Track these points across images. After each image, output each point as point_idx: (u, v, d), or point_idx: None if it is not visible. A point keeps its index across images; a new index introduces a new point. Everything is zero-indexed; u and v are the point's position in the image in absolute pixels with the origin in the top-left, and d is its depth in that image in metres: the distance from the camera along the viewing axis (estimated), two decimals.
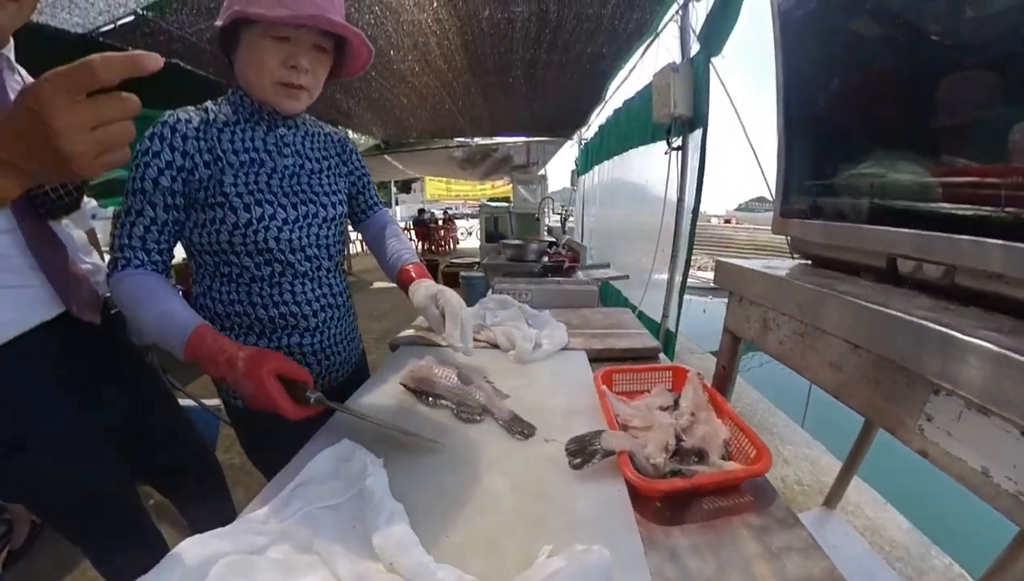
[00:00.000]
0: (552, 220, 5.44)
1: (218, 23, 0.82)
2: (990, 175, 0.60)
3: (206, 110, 0.88)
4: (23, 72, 0.99)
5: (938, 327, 0.50)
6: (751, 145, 2.44)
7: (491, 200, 9.34)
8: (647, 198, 3.56)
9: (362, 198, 1.11)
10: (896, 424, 0.57)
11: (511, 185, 9.31)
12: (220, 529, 0.51)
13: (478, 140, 7.19)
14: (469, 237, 15.15)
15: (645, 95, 3.31)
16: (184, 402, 1.67)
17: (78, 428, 0.98)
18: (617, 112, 4.11)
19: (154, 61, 0.42)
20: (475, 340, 1.07)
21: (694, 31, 2.65)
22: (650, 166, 3.41)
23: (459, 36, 3.21)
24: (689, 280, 2.92)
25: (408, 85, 4.20)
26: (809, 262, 0.96)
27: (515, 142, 7.43)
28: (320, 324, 0.97)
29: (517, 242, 3.12)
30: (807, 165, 0.96)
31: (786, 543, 0.54)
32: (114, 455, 1.06)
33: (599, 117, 5.21)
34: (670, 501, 0.61)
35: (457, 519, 0.55)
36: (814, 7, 0.94)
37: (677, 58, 2.76)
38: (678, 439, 0.69)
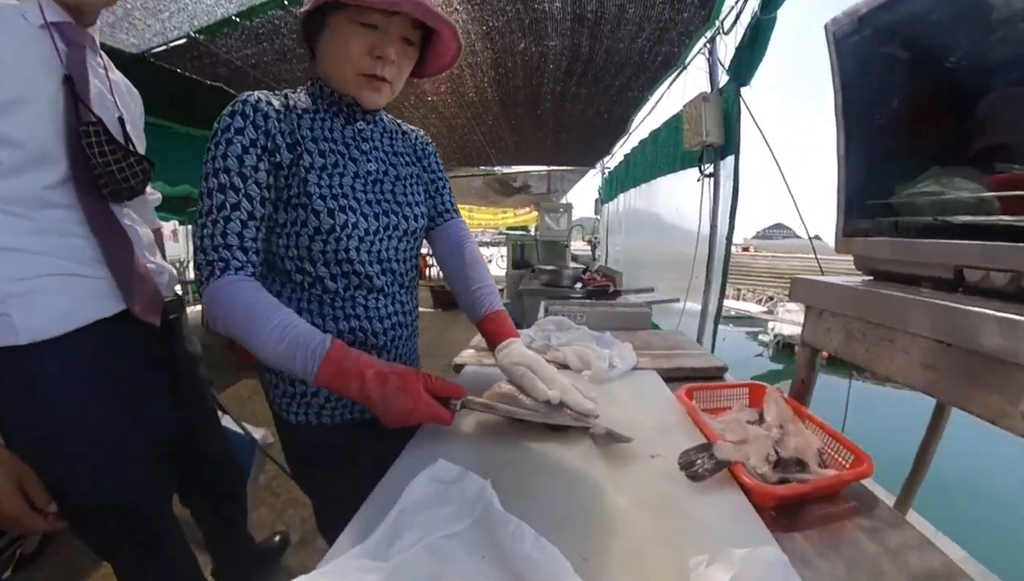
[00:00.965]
0: (577, 248, 5.53)
1: (304, 8, 0.78)
2: None
3: (285, 96, 0.82)
4: (106, 58, 1.00)
5: None
6: (780, 170, 2.49)
7: (511, 229, 9.48)
8: (676, 226, 3.62)
9: (435, 202, 1.03)
10: (998, 413, 0.61)
11: (533, 213, 9.49)
12: (323, 569, 0.46)
13: (501, 169, 7.38)
14: (490, 264, 15.21)
15: (673, 125, 3.41)
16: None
17: (120, 437, 0.93)
18: (643, 142, 4.22)
19: None
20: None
21: (722, 64, 2.75)
22: (679, 194, 3.48)
23: (493, 69, 3.36)
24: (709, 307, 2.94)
25: (439, 116, 4.37)
26: (871, 278, 1.00)
27: (538, 171, 7.60)
28: (388, 343, 0.92)
29: (552, 268, 3.19)
30: (867, 186, 1.01)
31: (901, 541, 0.57)
32: (154, 470, 1.01)
33: (623, 147, 5.34)
34: (783, 508, 0.64)
35: (588, 541, 0.53)
36: (868, 33, 1.01)
37: (703, 88, 2.86)
38: (775, 451, 0.73)
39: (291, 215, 0.79)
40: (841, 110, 1.07)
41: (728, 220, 2.70)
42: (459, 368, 1.22)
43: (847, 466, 0.71)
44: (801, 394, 0.96)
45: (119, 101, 1.00)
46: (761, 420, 0.83)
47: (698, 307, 3.04)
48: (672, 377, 1.12)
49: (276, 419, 0.95)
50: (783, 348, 11.15)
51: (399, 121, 1.00)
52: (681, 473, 0.66)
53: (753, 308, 15.66)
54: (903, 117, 0.97)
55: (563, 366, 1.17)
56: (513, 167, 7.40)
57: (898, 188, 0.93)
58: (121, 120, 0.98)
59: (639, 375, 1.09)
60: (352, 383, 0.68)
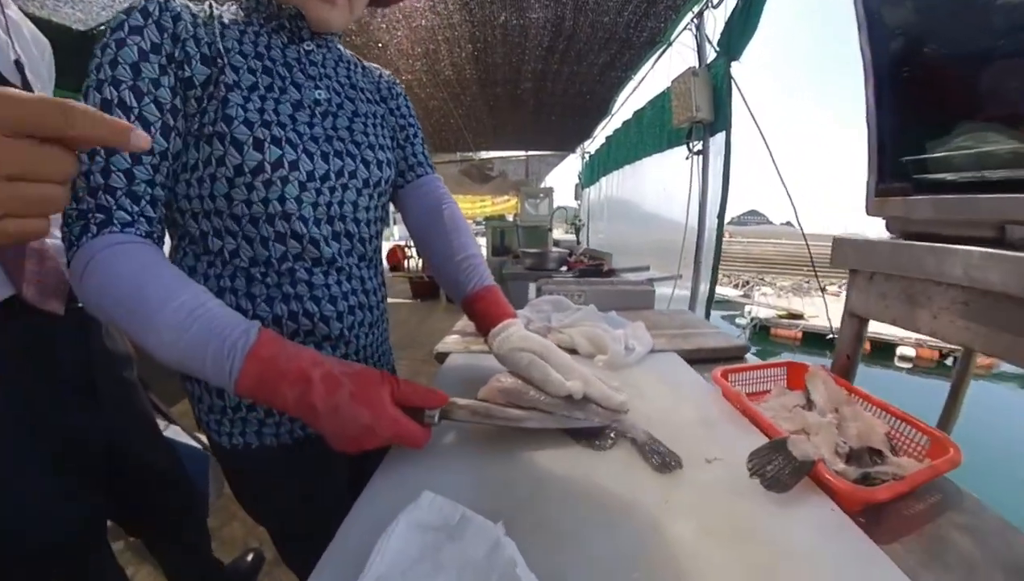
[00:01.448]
0: (558, 235, 5.43)
1: None
2: None
3: (210, 6, 0.62)
4: (16, 9, 0.85)
5: None
6: (768, 148, 2.43)
7: (489, 218, 9.33)
8: (662, 208, 3.54)
9: (406, 153, 0.83)
10: None
11: (511, 200, 9.34)
12: None
13: (481, 154, 7.21)
14: None
15: (659, 103, 3.33)
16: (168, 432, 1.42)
17: (17, 455, 0.76)
18: (627, 122, 4.13)
19: (145, 141, 0.33)
20: None
21: (709, 40, 2.67)
22: (666, 174, 3.40)
23: (471, 43, 3.20)
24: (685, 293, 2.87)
25: (414, 97, 4.19)
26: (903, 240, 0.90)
27: (516, 157, 7.45)
28: (345, 332, 0.71)
29: (536, 251, 3.08)
30: (900, 144, 0.94)
31: (1004, 539, 0.48)
32: (69, 494, 0.83)
33: (605, 129, 5.23)
34: (869, 512, 0.53)
35: None
36: None
37: (688, 67, 2.77)
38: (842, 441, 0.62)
39: (205, 152, 0.58)
40: (870, 61, 0.99)
41: (720, 197, 2.62)
42: (442, 357, 1.05)
43: (925, 451, 0.61)
44: (846, 371, 0.87)
45: (17, 44, 0.83)
46: (810, 404, 0.73)
47: (686, 293, 2.98)
48: (693, 359, 1.02)
49: (208, 441, 0.75)
50: (759, 330, 11.53)
51: (359, 58, 0.81)
52: (752, 481, 0.53)
53: (730, 292, 16.13)
54: (932, 71, 0.90)
55: (570, 351, 1.05)
56: (491, 152, 7.23)
57: (929, 145, 0.86)
58: (19, 64, 0.81)
59: (659, 358, 0.98)
60: (288, 390, 0.49)
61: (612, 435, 0.63)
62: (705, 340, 1.10)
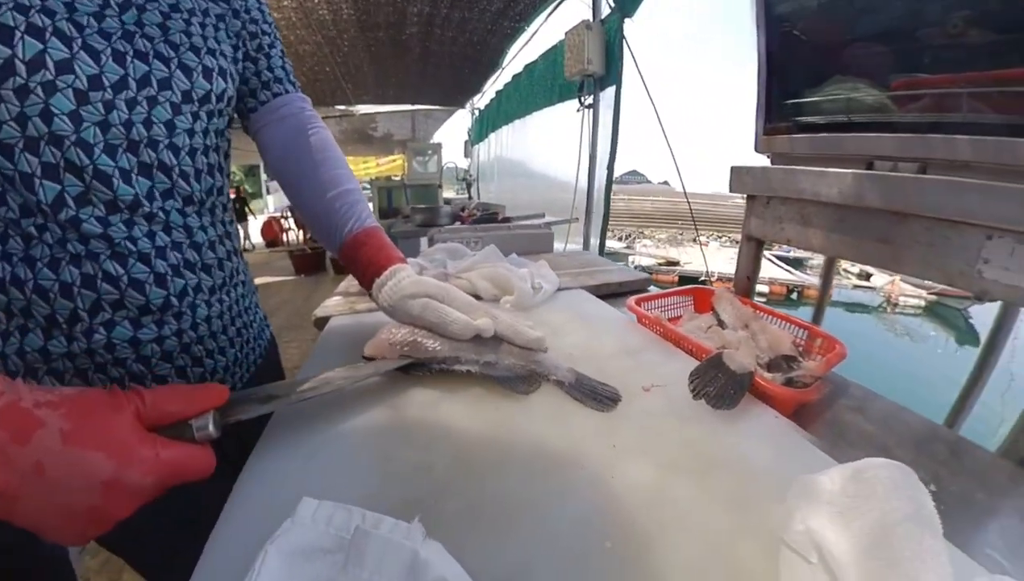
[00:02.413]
0: (451, 192, 5.26)
1: None
2: (945, 84, 0.67)
3: None
4: None
5: (992, 183, 0.56)
6: (654, 106, 2.51)
7: (376, 179, 8.81)
8: (553, 162, 3.54)
9: (258, 67, 0.64)
10: (954, 276, 0.61)
11: (398, 160, 8.84)
12: None
13: (360, 109, 6.67)
14: None
15: (551, 56, 3.27)
16: None
17: None
18: (517, 76, 4.03)
19: None
20: None
21: None
22: (556, 128, 3.39)
23: None
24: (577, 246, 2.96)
25: (283, 40, 3.68)
26: None
27: (401, 111, 7.02)
28: (174, 300, 0.52)
29: (426, 206, 2.92)
30: (784, 90, 1.00)
31: (885, 412, 0.57)
32: None
33: (495, 84, 5.08)
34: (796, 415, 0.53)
35: (628, 559, 0.33)
36: None
37: (583, 19, 2.73)
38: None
39: None
40: (763, 10, 1.03)
41: (609, 150, 2.66)
42: (322, 322, 0.89)
43: (822, 350, 0.65)
44: (747, 291, 0.90)
45: None
46: (721, 324, 0.73)
47: (578, 246, 3.03)
48: (600, 294, 0.99)
49: None
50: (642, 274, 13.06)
51: None
52: (696, 402, 0.49)
53: (615, 245, 17.59)
54: (814, 30, 0.97)
55: (473, 296, 0.96)
56: (373, 106, 6.72)
57: (808, 92, 0.92)
58: None
59: (568, 295, 0.94)
60: None
61: (532, 378, 0.55)
62: (609, 275, 1.08)
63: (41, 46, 0.40)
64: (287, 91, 0.67)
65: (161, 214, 0.50)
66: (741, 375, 0.50)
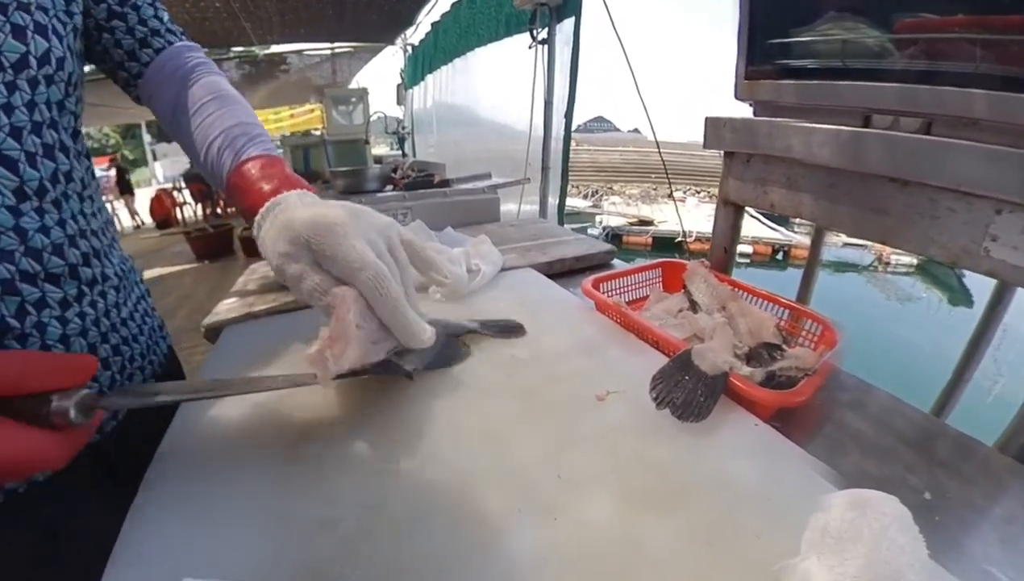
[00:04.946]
0: (383, 149, 5.09)
1: None
2: (957, 28, 0.65)
3: None
4: None
5: (999, 148, 0.55)
6: (620, 42, 2.47)
7: (290, 135, 8.43)
8: (502, 108, 3.46)
9: (129, 22, 0.62)
10: (958, 254, 0.61)
11: (316, 110, 8.44)
12: None
13: (262, 50, 6.30)
14: None
15: None
16: None
17: None
18: (456, 4, 3.88)
19: None
20: None
21: None
22: (504, 67, 3.30)
23: None
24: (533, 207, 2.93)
25: None
26: None
27: (317, 52, 6.67)
28: (12, 323, 0.48)
29: (349, 169, 2.80)
30: (771, 26, 0.98)
31: (882, 407, 0.57)
32: None
33: (430, 15, 4.88)
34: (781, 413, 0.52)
35: None
36: None
37: None
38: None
39: None
40: None
41: (568, 94, 2.61)
42: (214, 333, 0.81)
43: (816, 337, 0.64)
44: (724, 265, 0.89)
45: None
46: (694, 306, 0.71)
47: (534, 207, 2.99)
48: (554, 273, 0.96)
49: None
50: (612, 239, 13.08)
51: None
52: (661, 413, 0.47)
53: (579, 203, 17.54)
54: None
55: None
56: (281, 46, 6.36)
57: (796, 31, 0.90)
58: None
59: (513, 277, 0.90)
60: None
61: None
62: (565, 249, 1.04)
63: None
64: (170, 43, 0.66)
65: None
66: (713, 377, 0.48)
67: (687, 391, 0.47)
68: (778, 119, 0.82)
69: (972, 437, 0.52)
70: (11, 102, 0.47)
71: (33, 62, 0.48)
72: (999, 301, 0.93)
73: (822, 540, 0.31)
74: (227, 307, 0.88)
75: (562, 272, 0.99)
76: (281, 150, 5.09)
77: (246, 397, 0.54)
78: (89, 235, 0.56)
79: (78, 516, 0.57)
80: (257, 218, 0.51)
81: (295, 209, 0.49)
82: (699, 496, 0.39)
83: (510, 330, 0.66)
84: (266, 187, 0.53)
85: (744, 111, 0.93)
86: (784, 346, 0.60)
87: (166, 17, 0.67)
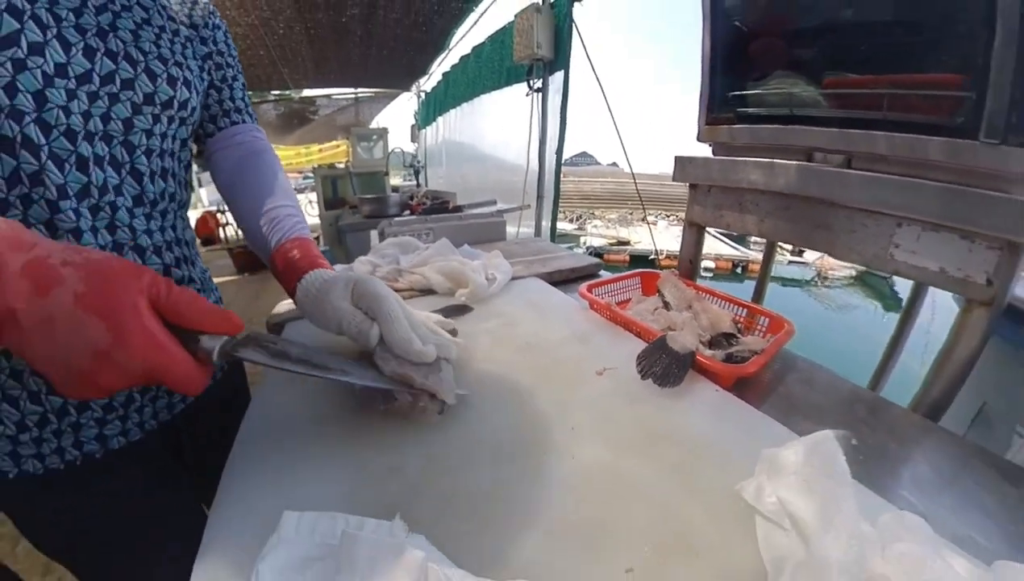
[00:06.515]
0: (398, 180, 5.15)
1: None
2: (869, 85, 0.74)
3: None
4: None
5: (901, 178, 0.64)
6: (602, 90, 2.55)
7: (319, 167, 8.47)
8: (502, 146, 3.53)
9: (221, 96, 0.68)
10: (871, 258, 0.69)
11: (341, 145, 8.53)
12: None
13: (300, 93, 6.38)
14: None
15: (499, 38, 3.24)
16: None
17: None
18: (465, 58, 3.97)
19: None
20: (396, 289, 0.91)
21: None
22: (504, 112, 3.38)
23: None
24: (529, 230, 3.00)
25: None
26: None
27: (344, 96, 6.76)
28: None
29: (374, 196, 2.86)
30: (727, 83, 1.03)
31: (828, 383, 0.62)
32: None
33: (442, 66, 4.97)
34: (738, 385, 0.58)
35: (598, 533, 0.36)
36: None
37: (533, 2, 2.72)
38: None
39: None
40: (708, 12, 1.06)
41: (559, 134, 2.68)
42: (277, 329, 0.84)
43: (765, 329, 0.70)
44: (690, 273, 0.96)
45: None
46: (666, 306, 0.77)
47: (530, 230, 3.06)
48: (554, 281, 1.02)
49: None
50: (594, 257, 13.42)
51: None
52: (645, 383, 0.54)
53: (566, 226, 17.85)
54: (759, 26, 1.00)
55: (427, 291, 0.97)
56: (312, 90, 6.44)
57: (750, 85, 0.97)
58: None
59: (522, 284, 0.96)
60: None
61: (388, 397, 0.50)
62: (562, 262, 1.11)
63: (18, 25, 0.42)
64: (244, 121, 0.71)
65: (107, 210, 0.51)
66: (684, 355, 0.54)
67: (664, 365, 0.54)
68: (731, 158, 0.88)
69: (891, 401, 0.58)
70: (153, 130, 0.54)
71: (175, 104, 0.56)
72: (916, 297, 1.00)
73: (771, 466, 0.37)
74: (288, 305, 0.93)
75: (560, 280, 1.04)
76: (313, 179, 5.15)
77: None
78: (182, 244, 0.63)
79: (143, 489, 0.59)
80: (308, 278, 0.54)
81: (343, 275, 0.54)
82: (675, 441, 0.45)
83: (460, 310, 0.77)
84: (314, 258, 0.58)
85: (705, 150, 0.99)
86: (739, 335, 0.67)
87: (248, 100, 0.73)
